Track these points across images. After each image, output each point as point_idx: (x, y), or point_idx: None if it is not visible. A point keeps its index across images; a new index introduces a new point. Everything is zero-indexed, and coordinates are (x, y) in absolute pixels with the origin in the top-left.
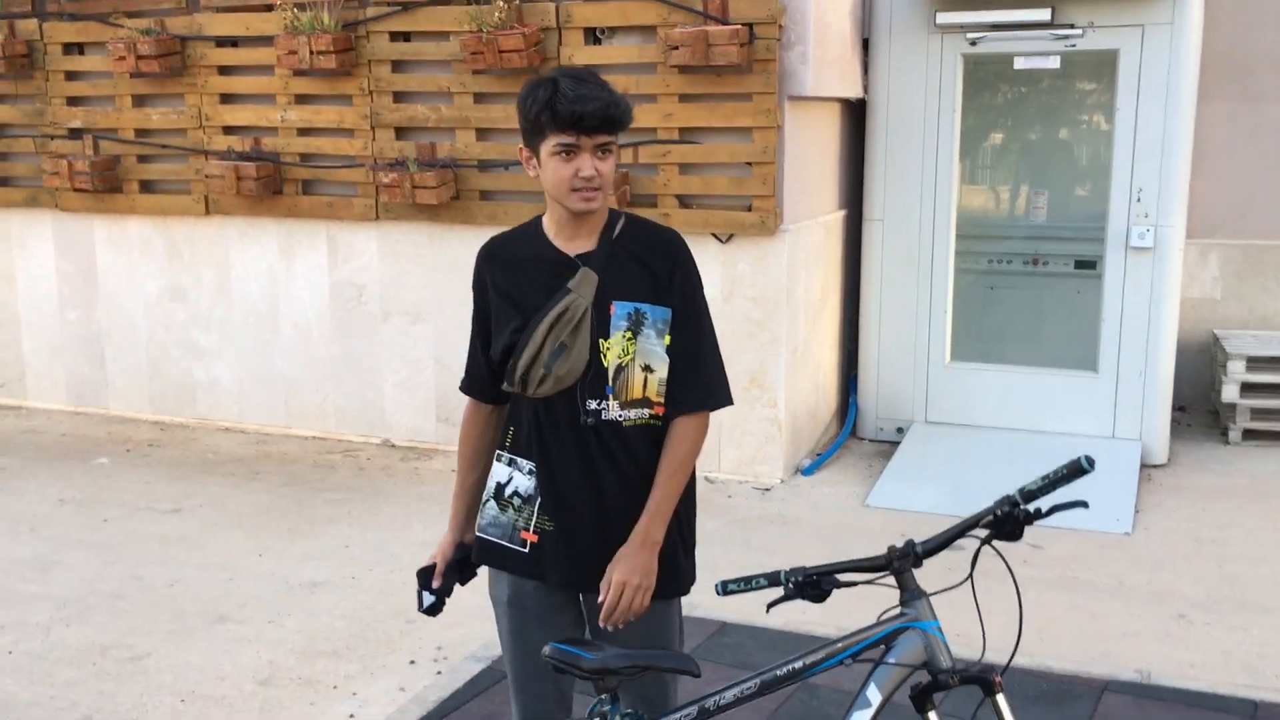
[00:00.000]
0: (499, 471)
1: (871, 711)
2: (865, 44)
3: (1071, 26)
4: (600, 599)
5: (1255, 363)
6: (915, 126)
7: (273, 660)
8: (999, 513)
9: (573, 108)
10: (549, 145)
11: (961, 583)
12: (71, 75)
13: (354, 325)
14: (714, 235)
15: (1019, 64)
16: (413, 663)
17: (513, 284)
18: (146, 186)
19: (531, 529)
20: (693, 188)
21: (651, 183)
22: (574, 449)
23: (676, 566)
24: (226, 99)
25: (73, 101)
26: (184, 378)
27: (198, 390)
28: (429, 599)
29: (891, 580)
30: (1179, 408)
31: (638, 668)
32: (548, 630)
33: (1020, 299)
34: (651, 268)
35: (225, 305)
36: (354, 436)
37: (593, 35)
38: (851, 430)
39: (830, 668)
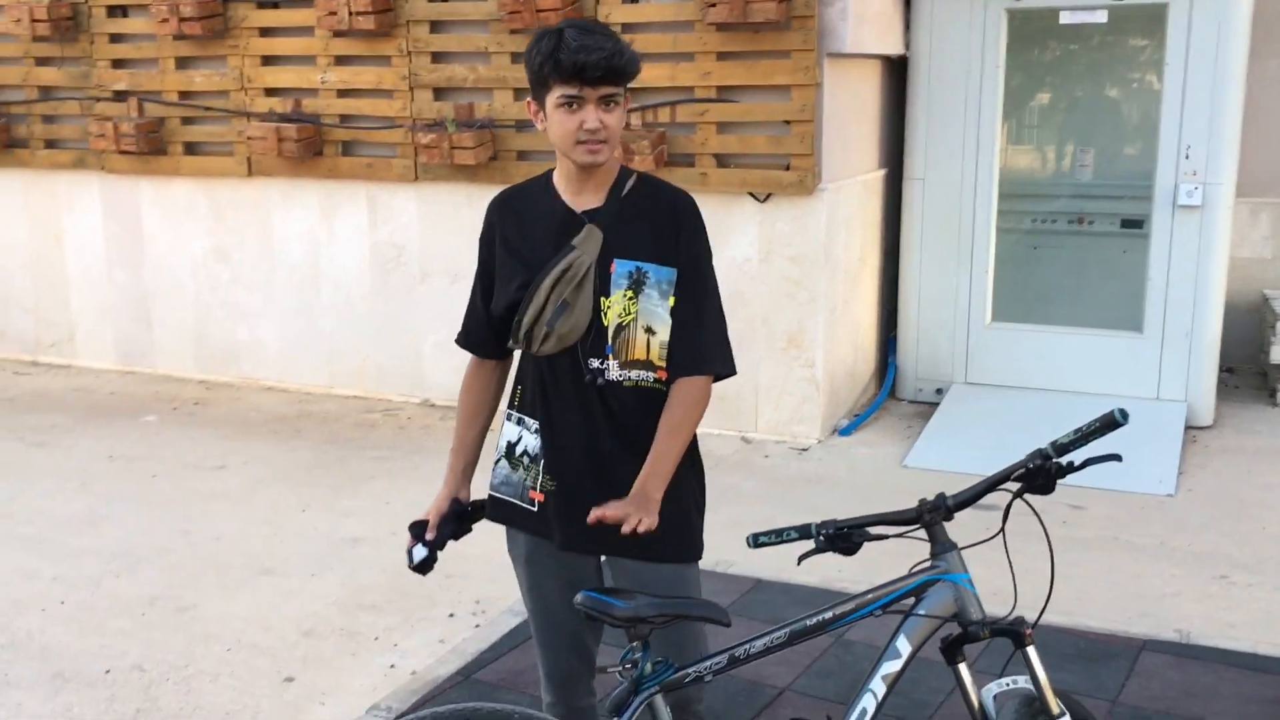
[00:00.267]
0: (509, 430)
1: (901, 662)
2: (906, 0)
3: None
4: (590, 519)
5: None
6: (957, 84)
7: (315, 612)
8: (1031, 465)
9: (575, 58)
10: (554, 97)
11: (993, 536)
12: (116, 38)
13: (393, 286)
14: (751, 195)
15: (1065, 18)
16: (452, 616)
17: (520, 237)
18: (190, 148)
19: (539, 488)
20: (730, 147)
21: (689, 142)
22: (576, 409)
23: (691, 530)
24: (268, 60)
25: (117, 64)
26: (228, 338)
27: (241, 350)
28: (421, 553)
29: (923, 534)
30: (1226, 369)
31: (669, 616)
32: (564, 586)
33: (1064, 258)
34: (657, 227)
35: (268, 266)
36: (394, 396)
37: None
38: (890, 391)
39: (860, 619)
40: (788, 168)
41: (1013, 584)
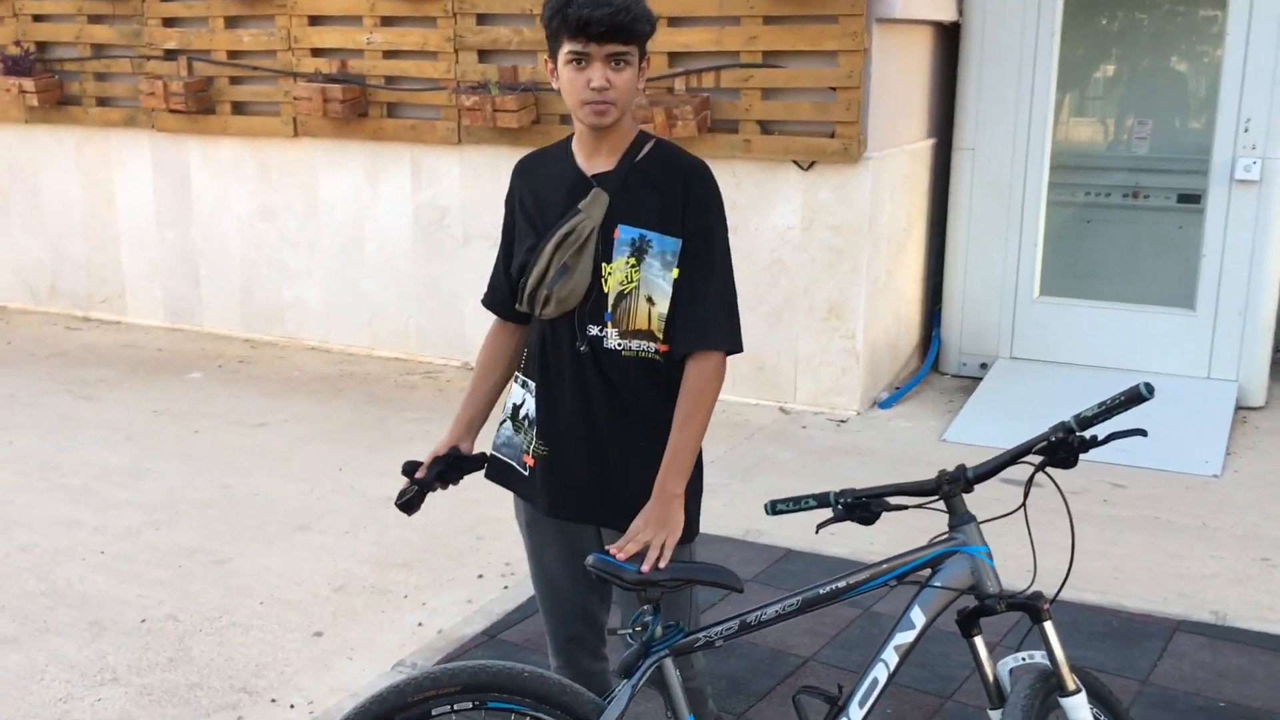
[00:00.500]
0: (515, 393)
1: (915, 633)
2: None
3: None
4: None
5: None
6: (1011, 52)
7: (348, 569)
8: (1053, 439)
9: (580, 13)
10: (563, 53)
11: (1014, 510)
12: None
13: (436, 248)
14: (795, 162)
15: None
16: (480, 577)
17: (534, 200)
18: (238, 108)
19: (531, 453)
20: (775, 113)
21: (733, 108)
22: (571, 374)
23: (684, 511)
24: (314, 21)
25: (168, 22)
26: (273, 297)
27: (286, 310)
28: (409, 493)
29: (942, 505)
30: None
31: (680, 580)
32: (564, 553)
33: (1117, 233)
34: (665, 195)
35: (314, 227)
36: (435, 358)
37: None
38: (933, 364)
39: (875, 588)
40: (833, 135)
41: (1033, 558)
